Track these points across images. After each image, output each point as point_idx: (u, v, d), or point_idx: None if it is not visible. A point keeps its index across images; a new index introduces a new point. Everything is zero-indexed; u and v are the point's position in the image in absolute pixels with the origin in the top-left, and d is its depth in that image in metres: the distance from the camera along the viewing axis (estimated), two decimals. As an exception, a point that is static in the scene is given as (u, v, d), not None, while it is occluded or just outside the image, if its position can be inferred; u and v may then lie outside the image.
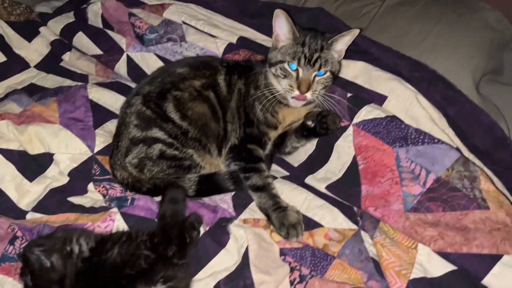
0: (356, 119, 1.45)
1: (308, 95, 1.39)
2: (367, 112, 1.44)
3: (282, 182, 1.46)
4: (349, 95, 1.51)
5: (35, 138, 1.48)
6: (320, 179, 1.45)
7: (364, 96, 1.52)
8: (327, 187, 1.42)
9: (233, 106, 1.52)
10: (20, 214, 1.37)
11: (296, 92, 1.39)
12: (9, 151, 1.44)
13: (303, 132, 1.52)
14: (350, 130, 1.45)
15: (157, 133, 1.45)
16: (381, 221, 1.29)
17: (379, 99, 1.51)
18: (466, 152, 1.39)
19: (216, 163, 1.51)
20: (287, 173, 1.54)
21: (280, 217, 1.33)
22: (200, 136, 1.47)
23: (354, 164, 1.41)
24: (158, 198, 1.37)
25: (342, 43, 1.43)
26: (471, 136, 1.43)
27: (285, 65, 1.40)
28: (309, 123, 1.49)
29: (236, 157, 1.48)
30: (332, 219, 1.34)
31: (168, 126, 1.45)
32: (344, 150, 1.45)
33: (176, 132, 1.45)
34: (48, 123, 1.53)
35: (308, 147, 1.56)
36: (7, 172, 1.42)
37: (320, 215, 1.36)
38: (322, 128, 1.46)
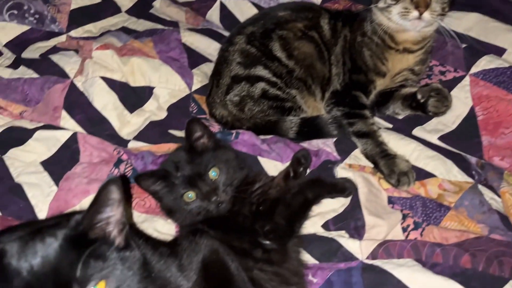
0: (475, 69, 1.36)
1: (427, 15, 1.28)
2: (488, 62, 1.35)
3: (386, 132, 1.38)
4: (463, 45, 1.42)
5: (137, 70, 1.46)
6: (431, 130, 1.37)
7: (479, 48, 1.43)
8: (440, 138, 1.33)
9: (338, 51, 1.46)
10: (122, 142, 1.35)
11: (414, 13, 1.28)
12: (112, 80, 1.43)
13: (412, 103, 1.43)
14: (467, 80, 1.36)
15: (261, 71, 1.40)
16: (505, 173, 1.19)
17: (497, 51, 1.41)
18: None
19: (319, 107, 1.45)
20: (390, 125, 1.46)
21: (389, 164, 1.26)
22: (306, 77, 1.42)
23: (471, 115, 1.33)
24: (262, 136, 1.33)
25: None
26: None
27: None
28: (420, 97, 1.41)
29: (339, 103, 1.41)
30: (446, 171, 1.25)
31: (273, 64, 1.40)
32: (459, 101, 1.36)
33: (281, 71, 1.40)
34: (149, 57, 1.52)
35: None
36: (110, 100, 1.40)
37: (432, 165, 1.27)
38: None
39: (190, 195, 1.04)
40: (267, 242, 1.00)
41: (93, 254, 0.65)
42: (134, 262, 0.69)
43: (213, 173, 1.05)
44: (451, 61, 1.38)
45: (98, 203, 0.67)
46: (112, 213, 0.68)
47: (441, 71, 1.46)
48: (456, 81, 1.38)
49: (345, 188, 1.17)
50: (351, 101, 1.40)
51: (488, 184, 1.20)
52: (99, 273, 0.64)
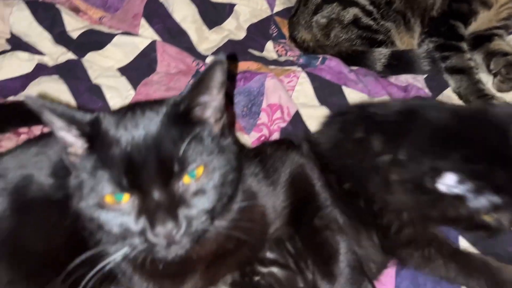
0: None
1: None
2: None
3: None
4: None
5: (220, -16, 1.39)
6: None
7: None
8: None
9: None
10: (199, 56, 1.30)
11: None
12: (193, -7, 1.37)
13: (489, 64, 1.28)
14: None
15: (358, -6, 1.29)
16: None
17: None
18: None
19: (415, 44, 1.33)
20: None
21: (486, 106, 1.15)
22: (405, 9, 1.30)
23: None
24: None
25: None
26: None
27: None
28: (492, 66, 1.26)
29: (434, 33, 1.28)
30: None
31: (372, -9, 1.29)
32: None
33: (380, 0, 1.28)
34: (232, -26, 1.43)
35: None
36: (189, 13, 1.35)
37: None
38: None
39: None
40: None
41: (195, 137, 0.60)
42: (230, 153, 0.64)
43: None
44: None
45: (202, 84, 0.61)
46: (213, 98, 0.63)
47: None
48: None
49: None
50: (448, 30, 1.27)
51: None
52: (200, 158, 0.59)
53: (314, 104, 1.20)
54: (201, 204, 0.59)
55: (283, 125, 1.10)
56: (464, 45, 1.26)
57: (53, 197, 0.67)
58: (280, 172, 0.80)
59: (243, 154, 0.74)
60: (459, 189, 0.77)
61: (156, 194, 0.56)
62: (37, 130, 1.04)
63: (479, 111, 0.88)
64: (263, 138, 1.12)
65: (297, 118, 1.11)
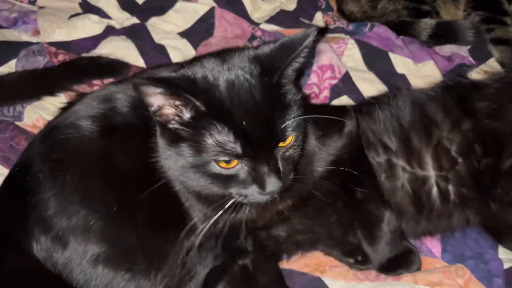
0: None
1: None
2: None
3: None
4: None
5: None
6: None
7: None
8: None
9: None
10: (253, 23, 1.38)
11: None
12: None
13: None
14: None
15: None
16: None
17: None
18: None
19: (460, 17, 1.38)
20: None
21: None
22: None
23: None
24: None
25: None
26: None
27: None
28: None
29: (480, 6, 1.34)
30: None
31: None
32: None
33: None
34: None
35: None
36: (245, -17, 1.43)
37: None
38: None
39: None
40: None
41: (288, 109, 0.65)
42: (303, 121, 0.69)
43: None
44: None
45: (293, 58, 0.64)
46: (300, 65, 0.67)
47: None
48: None
49: None
50: (493, 4, 1.33)
51: None
52: (291, 128, 0.65)
53: (363, 68, 1.27)
54: (290, 165, 0.68)
55: (334, 82, 1.18)
56: (508, 20, 1.31)
57: (134, 125, 0.76)
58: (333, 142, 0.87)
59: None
60: None
61: (263, 158, 0.63)
62: (108, 82, 1.15)
63: None
64: (313, 95, 1.20)
65: (347, 77, 1.19)
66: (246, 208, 0.73)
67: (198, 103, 0.61)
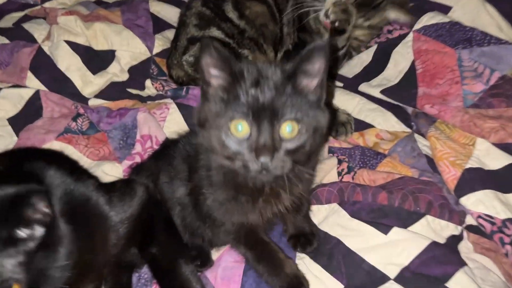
0: (417, 25, 1.40)
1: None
2: (429, 18, 1.39)
3: (335, 89, 1.45)
4: (411, 4, 1.47)
5: (100, 34, 1.55)
6: (375, 85, 1.42)
7: (426, 8, 1.47)
8: (382, 92, 1.39)
9: (289, 10, 1.52)
10: (83, 99, 1.44)
11: None
12: (76, 44, 1.51)
13: None
14: (410, 36, 1.41)
15: (214, 32, 1.47)
16: (437, 121, 1.24)
17: (442, 10, 1.45)
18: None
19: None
20: (341, 84, 1.52)
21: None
22: (257, 37, 1.48)
23: (412, 69, 1.37)
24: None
25: None
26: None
27: None
28: None
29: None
30: (384, 121, 1.32)
31: (226, 25, 1.47)
32: (402, 57, 1.41)
33: (233, 31, 1.47)
34: (112, 23, 1.60)
35: (364, 59, 1.53)
36: (72, 62, 1.49)
37: (372, 117, 1.34)
38: None
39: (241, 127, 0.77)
40: None
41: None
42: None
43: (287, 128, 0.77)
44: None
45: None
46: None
47: (389, 30, 1.51)
48: (401, 38, 1.43)
49: None
50: None
51: (421, 132, 1.26)
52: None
53: (186, 129, 1.35)
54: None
55: (153, 152, 1.25)
56: None
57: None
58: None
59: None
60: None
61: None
62: None
63: None
64: (135, 165, 1.26)
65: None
66: None
67: None
